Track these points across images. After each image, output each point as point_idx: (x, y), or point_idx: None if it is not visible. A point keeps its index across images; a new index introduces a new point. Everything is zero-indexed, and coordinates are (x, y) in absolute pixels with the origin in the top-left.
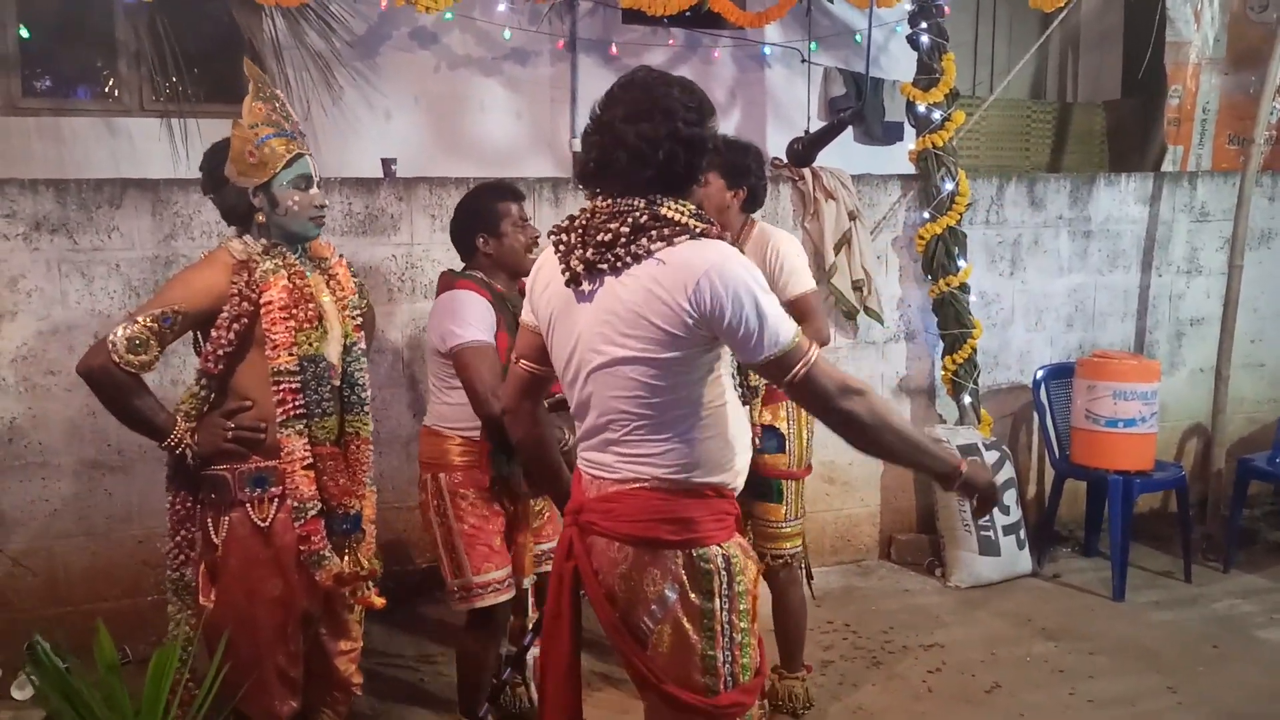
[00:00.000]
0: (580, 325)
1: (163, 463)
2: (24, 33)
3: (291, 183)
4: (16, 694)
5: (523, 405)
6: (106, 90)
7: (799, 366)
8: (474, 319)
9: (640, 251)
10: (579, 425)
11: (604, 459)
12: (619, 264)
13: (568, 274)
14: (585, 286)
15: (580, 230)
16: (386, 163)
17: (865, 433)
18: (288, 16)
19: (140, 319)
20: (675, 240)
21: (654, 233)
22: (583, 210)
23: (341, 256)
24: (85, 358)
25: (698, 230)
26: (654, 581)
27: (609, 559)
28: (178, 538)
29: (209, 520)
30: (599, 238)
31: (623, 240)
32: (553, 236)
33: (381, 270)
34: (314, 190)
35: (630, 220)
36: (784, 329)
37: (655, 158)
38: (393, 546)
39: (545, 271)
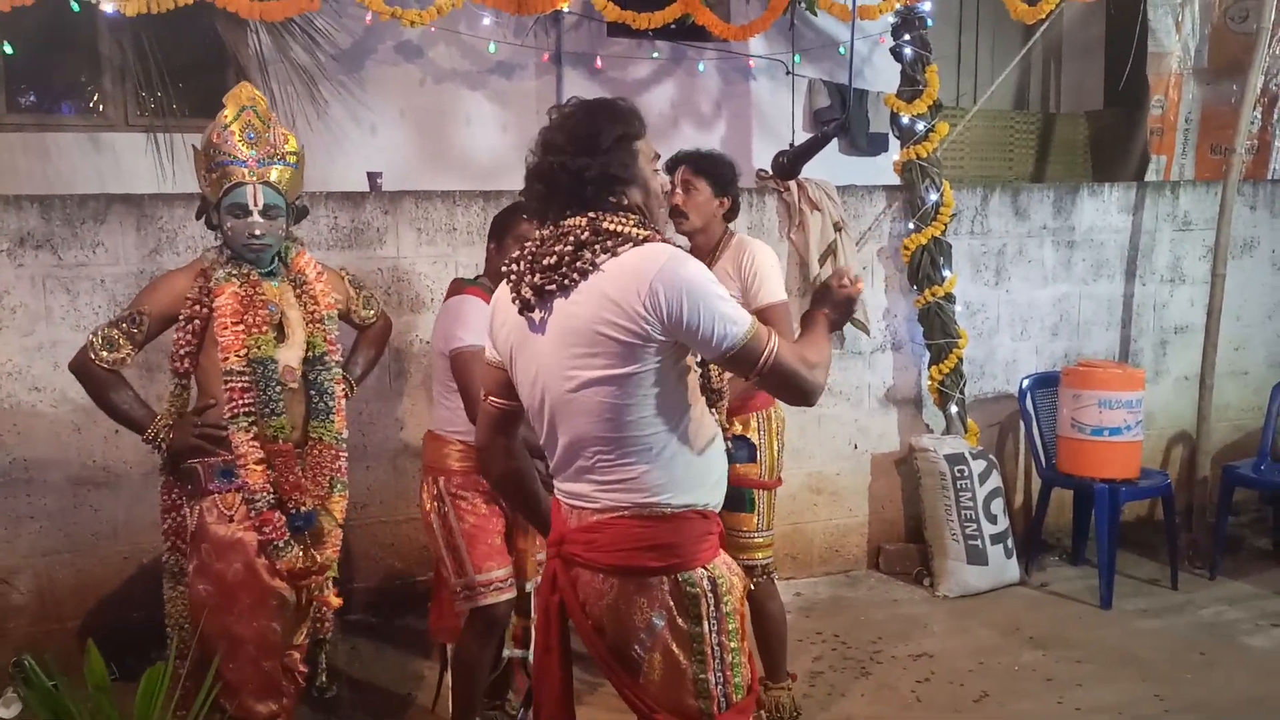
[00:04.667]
0: (539, 354)
1: (147, 477)
2: (8, 48)
3: (227, 210)
4: (3, 711)
5: (496, 441)
6: (91, 105)
7: (765, 356)
8: (477, 324)
9: (586, 267)
10: (549, 456)
11: (580, 489)
12: (567, 282)
13: (519, 302)
14: (538, 314)
15: (529, 258)
16: (372, 176)
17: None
18: (272, 31)
19: (113, 320)
20: (619, 250)
21: (597, 247)
22: (534, 239)
23: (322, 273)
24: (75, 355)
25: (640, 237)
26: (641, 610)
27: (595, 590)
28: (167, 523)
29: (187, 511)
30: (545, 261)
31: (567, 259)
32: (504, 268)
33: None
34: (251, 219)
35: (572, 239)
36: (741, 319)
37: (567, 183)
38: (382, 560)
39: (502, 305)
